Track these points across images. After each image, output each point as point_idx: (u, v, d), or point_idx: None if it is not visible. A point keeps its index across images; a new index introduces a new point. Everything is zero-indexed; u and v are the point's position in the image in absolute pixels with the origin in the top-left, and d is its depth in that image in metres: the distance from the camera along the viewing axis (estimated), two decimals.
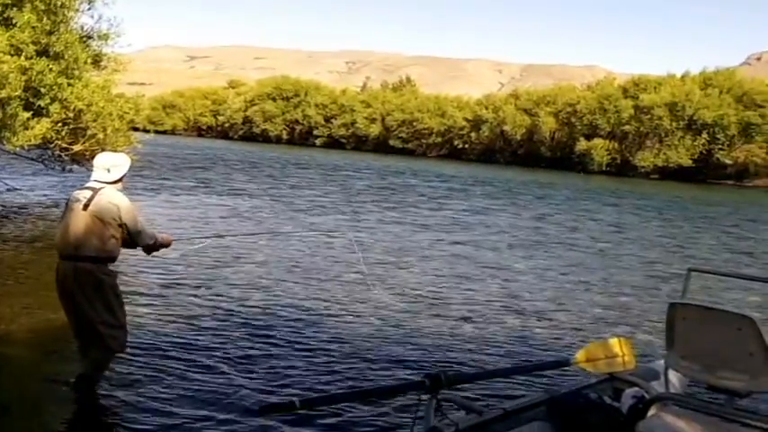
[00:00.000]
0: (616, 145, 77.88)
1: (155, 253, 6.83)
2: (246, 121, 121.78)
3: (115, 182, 6.31)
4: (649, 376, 5.07)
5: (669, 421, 4.12)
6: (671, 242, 20.51)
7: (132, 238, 6.35)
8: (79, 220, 6.12)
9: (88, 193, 6.19)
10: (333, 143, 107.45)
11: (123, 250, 6.46)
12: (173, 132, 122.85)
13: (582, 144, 79.35)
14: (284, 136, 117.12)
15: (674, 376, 5.08)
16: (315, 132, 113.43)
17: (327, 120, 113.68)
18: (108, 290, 6.23)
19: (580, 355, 5.02)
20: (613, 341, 5.25)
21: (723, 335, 4.30)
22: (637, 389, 4.62)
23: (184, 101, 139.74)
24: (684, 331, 4.51)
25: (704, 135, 72.88)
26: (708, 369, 4.43)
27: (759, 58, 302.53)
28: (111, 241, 6.17)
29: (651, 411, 4.21)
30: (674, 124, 74.16)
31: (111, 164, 6.35)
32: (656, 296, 12.31)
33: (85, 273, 6.11)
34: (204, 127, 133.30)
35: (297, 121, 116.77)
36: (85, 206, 6.12)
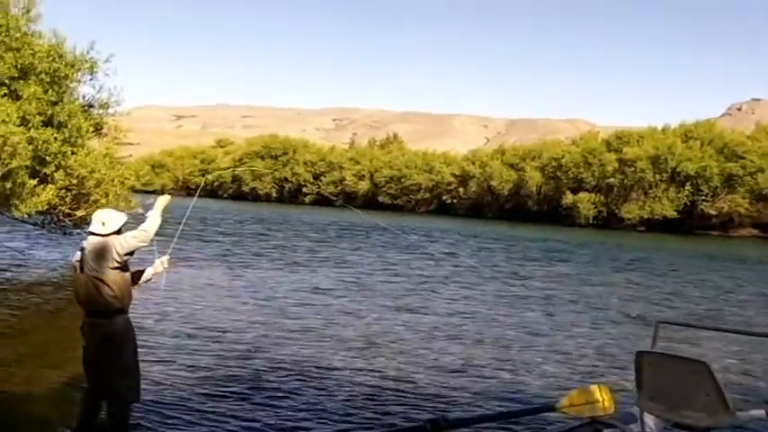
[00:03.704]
0: (602, 198, 78.94)
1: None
2: (235, 179, 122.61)
3: (108, 235, 6.73)
4: (627, 419, 5.66)
5: None
6: (654, 292, 21.13)
7: (145, 240, 6.74)
8: (81, 282, 6.63)
9: (80, 255, 6.71)
10: (322, 200, 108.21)
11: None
12: (162, 192, 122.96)
13: (568, 198, 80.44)
14: (273, 194, 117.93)
15: (649, 419, 5.65)
16: (304, 190, 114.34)
17: (316, 177, 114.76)
18: (121, 341, 6.67)
19: (564, 401, 5.63)
20: (594, 388, 5.86)
21: (682, 378, 4.94)
22: (615, 430, 5.22)
23: (173, 160, 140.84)
24: (650, 376, 5.15)
25: (688, 187, 74.14)
26: (672, 409, 5.06)
27: (740, 109, 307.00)
28: (114, 293, 6.57)
29: None
30: (657, 176, 75.35)
31: (106, 218, 6.83)
32: (635, 344, 12.97)
33: (99, 326, 6.59)
34: (193, 186, 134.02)
35: (286, 179, 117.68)
36: (81, 268, 6.63)
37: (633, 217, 75.75)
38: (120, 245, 6.59)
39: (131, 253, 6.72)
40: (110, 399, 6.70)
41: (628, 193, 78.07)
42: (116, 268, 6.59)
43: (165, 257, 7.34)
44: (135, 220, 16.90)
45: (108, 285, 6.54)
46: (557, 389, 9.49)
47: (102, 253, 6.57)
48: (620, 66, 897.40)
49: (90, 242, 6.68)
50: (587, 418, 5.58)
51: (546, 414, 6.57)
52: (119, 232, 6.78)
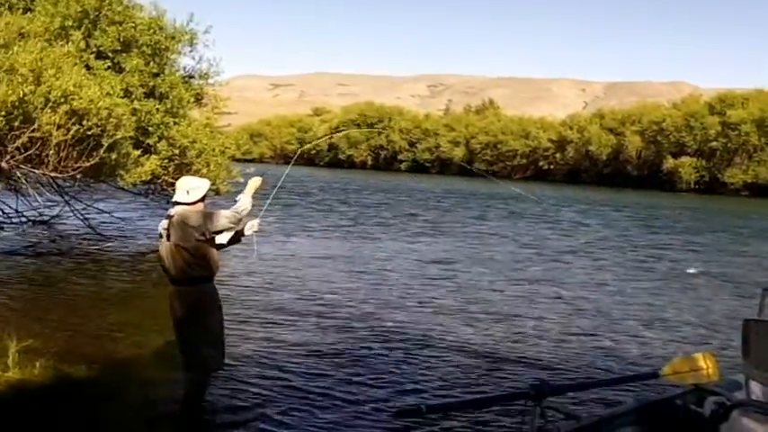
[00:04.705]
0: (704, 162, 76.96)
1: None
2: (332, 147, 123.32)
3: (194, 203, 6.69)
4: (732, 387, 5.52)
5: (749, 425, 4.59)
6: (762, 259, 20.57)
7: (235, 229, 6.93)
8: (167, 250, 6.56)
9: (166, 223, 6.61)
10: (417, 167, 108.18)
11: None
12: (260, 160, 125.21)
13: (669, 162, 78.67)
14: (369, 161, 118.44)
15: (756, 387, 5.50)
16: (399, 157, 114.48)
17: (411, 144, 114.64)
18: (206, 309, 6.66)
19: (667, 369, 5.51)
20: (698, 356, 5.71)
21: None
22: (719, 397, 5.10)
23: (271, 129, 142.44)
24: (757, 344, 5.01)
25: None
26: None
27: None
28: (200, 262, 6.55)
29: (732, 417, 4.68)
30: (763, 140, 72.94)
31: (190, 186, 6.73)
32: (742, 312, 12.67)
33: (185, 294, 6.57)
34: (290, 154, 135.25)
35: (381, 147, 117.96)
36: (168, 237, 6.56)
37: (736, 182, 73.63)
38: (211, 223, 6.57)
39: (220, 231, 6.74)
40: (195, 367, 6.72)
41: (731, 157, 75.91)
42: (202, 240, 6.58)
43: (256, 221, 7.28)
44: (236, 188, 17.33)
45: (193, 255, 6.50)
46: (660, 356, 9.38)
47: (190, 224, 6.51)
48: (726, 26, 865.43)
49: (177, 211, 6.61)
50: (690, 385, 5.47)
51: (648, 381, 6.49)
52: (203, 199, 6.77)
